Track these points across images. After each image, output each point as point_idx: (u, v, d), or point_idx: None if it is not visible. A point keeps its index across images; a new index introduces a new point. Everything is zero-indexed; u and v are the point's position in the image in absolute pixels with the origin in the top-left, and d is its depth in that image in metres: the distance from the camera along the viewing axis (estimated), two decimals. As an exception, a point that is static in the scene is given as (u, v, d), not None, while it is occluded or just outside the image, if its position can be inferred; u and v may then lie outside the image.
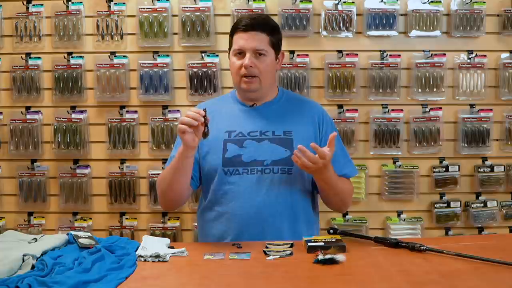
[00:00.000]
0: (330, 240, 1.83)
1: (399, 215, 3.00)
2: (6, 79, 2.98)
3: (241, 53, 2.05)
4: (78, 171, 2.97)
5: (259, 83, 2.07)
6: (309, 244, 1.78)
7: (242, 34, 2.05)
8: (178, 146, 2.13)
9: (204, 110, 1.87)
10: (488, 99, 2.99)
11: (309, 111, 2.17)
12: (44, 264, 1.56)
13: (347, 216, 2.99)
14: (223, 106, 2.20)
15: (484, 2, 2.92)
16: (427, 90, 2.95)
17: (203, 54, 2.94)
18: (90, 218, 3.00)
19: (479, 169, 2.99)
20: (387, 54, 2.94)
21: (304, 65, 2.93)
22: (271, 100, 2.17)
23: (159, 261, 1.70)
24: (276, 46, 2.11)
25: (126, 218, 3.01)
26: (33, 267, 1.57)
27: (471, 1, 2.91)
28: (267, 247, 1.81)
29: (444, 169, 2.98)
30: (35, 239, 1.81)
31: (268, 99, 2.17)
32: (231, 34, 2.10)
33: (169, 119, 2.95)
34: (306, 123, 2.12)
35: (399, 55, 2.94)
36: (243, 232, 2.01)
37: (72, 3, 2.93)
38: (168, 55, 2.94)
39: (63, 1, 2.92)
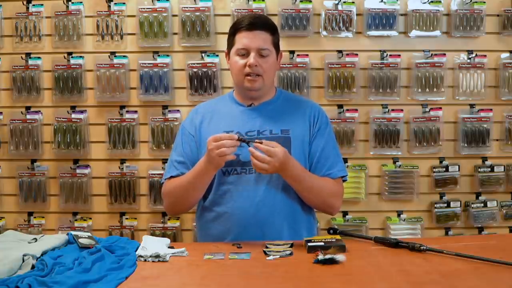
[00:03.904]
0: (330, 240, 1.83)
1: (399, 215, 3.00)
2: (6, 79, 2.98)
3: (244, 52, 2.05)
4: (78, 171, 2.97)
5: (262, 81, 2.07)
6: (309, 244, 1.78)
7: (246, 33, 2.04)
8: (178, 150, 2.14)
9: (237, 133, 1.96)
10: (488, 99, 2.99)
11: (305, 109, 2.16)
12: (44, 264, 1.56)
13: (347, 216, 2.99)
14: (222, 107, 2.20)
15: (484, 2, 2.92)
16: (427, 90, 2.95)
17: (203, 54, 2.94)
18: (90, 218, 3.00)
19: (479, 169, 2.99)
20: (387, 54, 2.94)
21: (304, 65, 2.93)
22: (269, 100, 2.17)
23: (159, 261, 1.70)
24: (277, 46, 2.11)
25: (126, 218, 3.01)
26: (33, 267, 1.57)
27: (471, 1, 2.91)
28: (267, 247, 1.81)
29: (444, 169, 2.98)
30: (35, 239, 1.81)
31: (266, 99, 2.16)
32: (233, 33, 2.09)
33: (169, 119, 2.95)
34: (302, 121, 2.12)
35: (399, 55, 2.94)
36: (242, 232, 2.01)
37: (72, 3, 2.93)
38: (168, 55, 2.94)
39: (63, 1, 2.93)
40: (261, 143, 1.90)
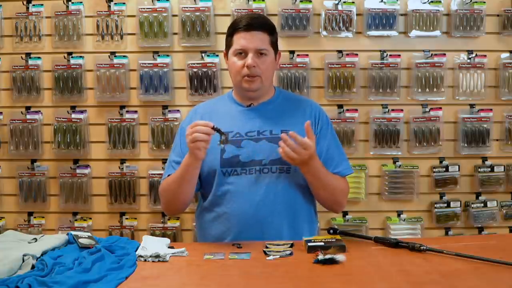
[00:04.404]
0: (330, 240, 1.84)
1: (399, 215, 3.00)
2: (6, 79, 2.98)
3: (242, 53, 2.05)
4: (78, 171, 2.97)
5: (260, 82, 2.07)
6: (309, 244, 1.78)
7: (243, 33, 2.04)
8: (177, 151, 2.14)
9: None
10: (488, 99, 2.99)
11: (305, 109, 2.16)
12: (44, 264, 1.56)
13: (347, 216, 2.99)
14: (221, 107, 2.20)
15: (484, 2, 2.92)
16: (427, 90, 2.95)
17: (203, 54, 2.94)
18: (90, 218, 3.00)
19: (479, 169, 2.99)
20: (387, 54, 2.94)
21: (304, 65, 2.93)
22: (268, 100, 2.17)
23: (159, 261, 1.70)
24: (275, 45, 2.11)
25: (126, 218, 3.01)
26: (33, 267, 1.57)
27: (471, 1, 2.91)
28: (267, 247, 1.81)
29: (444, 169, 2.98)
30: (35, 239, 1.81)
31: (265, 99, 2.16)
32: (231, 33, 2.09)
33: (169, 119, 2.95)
34: (303, 121, 2.11)
35: (399, 55, 2.94)
36: (242, 232, 2.01)
37: (72, 3, 2.93)
38: (168, 55, 2.94)
39: (63, 1, 2.92)
40: (226, 141, 1.93)
